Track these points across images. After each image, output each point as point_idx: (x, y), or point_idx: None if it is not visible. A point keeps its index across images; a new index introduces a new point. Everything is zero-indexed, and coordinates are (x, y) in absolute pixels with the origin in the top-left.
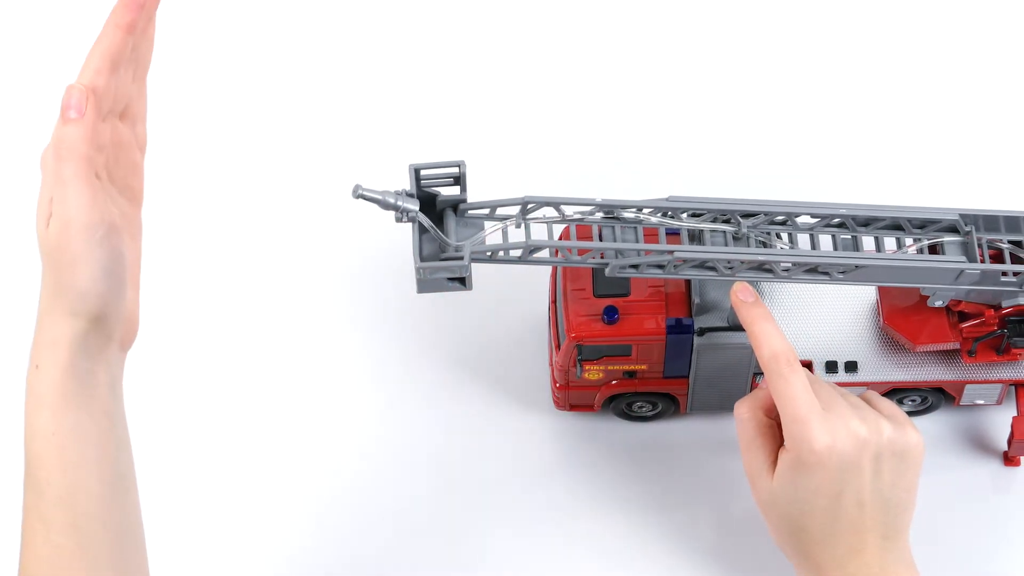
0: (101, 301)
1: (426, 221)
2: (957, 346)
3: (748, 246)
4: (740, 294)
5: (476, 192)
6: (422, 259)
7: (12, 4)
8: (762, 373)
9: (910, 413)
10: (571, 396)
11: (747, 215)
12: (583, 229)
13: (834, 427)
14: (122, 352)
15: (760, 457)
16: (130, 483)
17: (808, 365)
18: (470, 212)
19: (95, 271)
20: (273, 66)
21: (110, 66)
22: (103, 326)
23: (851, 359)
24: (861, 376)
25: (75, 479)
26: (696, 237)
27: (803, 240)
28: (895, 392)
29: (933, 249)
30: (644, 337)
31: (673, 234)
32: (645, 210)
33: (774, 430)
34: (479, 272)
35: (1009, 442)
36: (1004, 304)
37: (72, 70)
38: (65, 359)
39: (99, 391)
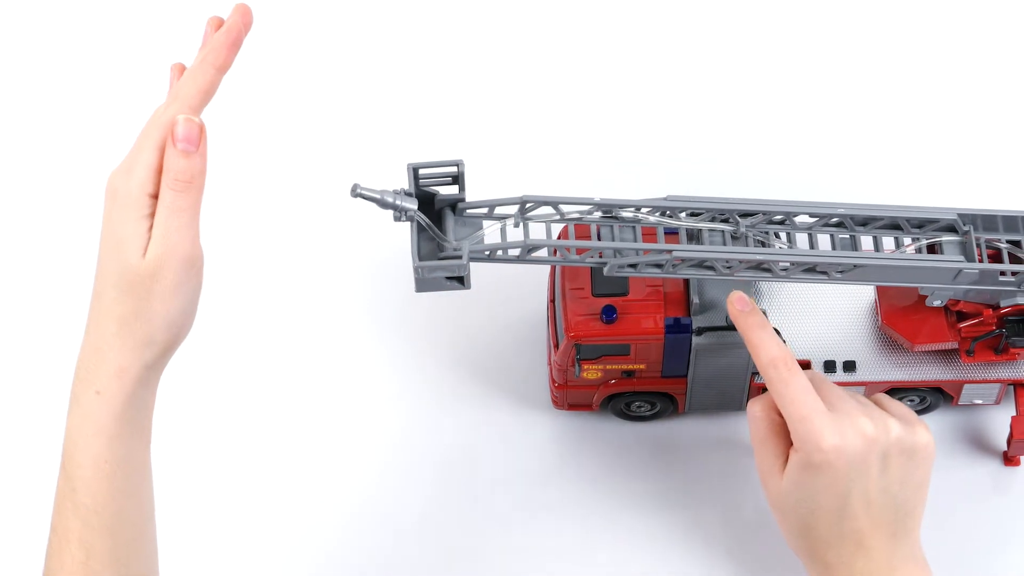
0: (178, 335)
1: (424, 220)
2: (955, 346)
3: (746, 245)
4: (736, 304)
5: (475, 191)
6: (420, 258)
7: (13, 5)
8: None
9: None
10: (569, 395)
11: (745, 214)
12: (581, 228)
13: (841, 426)
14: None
15: (771, 457)
16: (153, 510)
17: (806, 365)
18: (468, 211)
19: (185, 303)
20: (272, 66)
21: (200, 104)
22: (168, 356)
23: (849, 359)
24: (859, 376)
25: (120, 508)
26: (694, 236)
27: (801, 239)
28: (893, 392)
29: (931, 249)
30: (642, 336)
31: (671, 233)
32: (643, 209)
33: (786, 430)
34: (477, 271)
35: (1008, 442)
36: (1002, 304)
37: (72, 73)
38: (130, 389)
39: (148, 420)
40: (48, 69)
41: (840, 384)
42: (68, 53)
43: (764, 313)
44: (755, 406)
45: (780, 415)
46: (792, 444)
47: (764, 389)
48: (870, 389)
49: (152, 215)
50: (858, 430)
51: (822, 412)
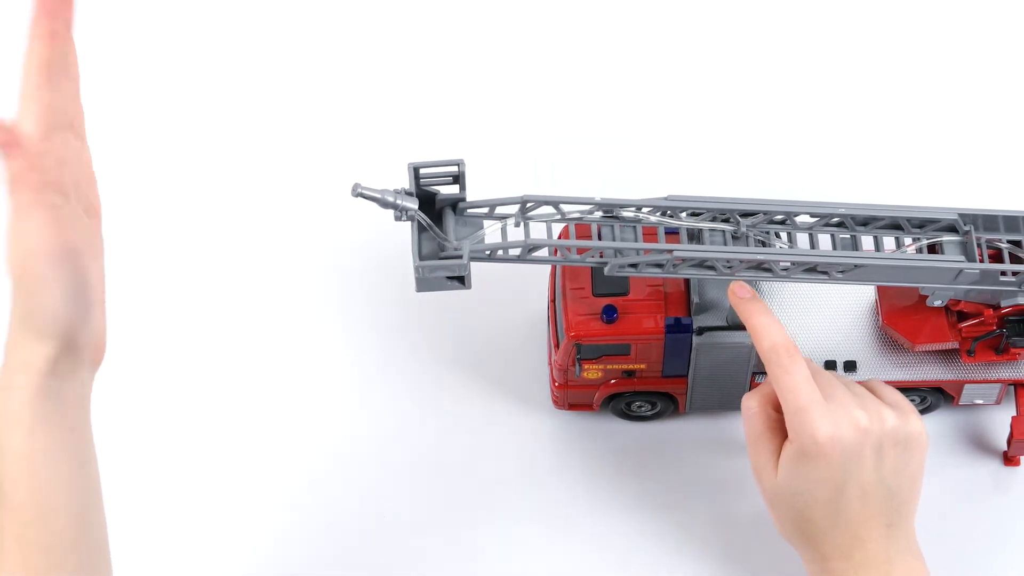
0: (69, 324)
1: (425, 220)
2: (956, 346)
3: (747, 245)
4: (737, 291)
5: (475, 191)
6: (421, 258)
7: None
8: (762, 373)
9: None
10: (570, 395)
11: (746, 214)
12: (582, 228)
13: (836, 417)
14: (91, 370)
15: (767, 451)
16: (98, 500)
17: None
18: (469, 211)
19: (63, 295)
20: (272, 65)
21: (47, 78)
22: (72, 348)
23: (850, 359)
24: (860, 376)
25: (47, 499)
26: (695, 236)
27: (802, 239)
28: None
29: (932, 249)
30: (643, 336)
31: (672, 233)
32: (644, 209)
33: (782, 424)
34: (478, 271)
35: (1008, 442)
36: (1003, 304)
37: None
38: (36, 381)
39: (69, 412)
40: None
41: None
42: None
43: None
44: (750, 400)
45: (776, 410)
46: (786, 438)
47: None
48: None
49: None
50: (853, 420)
51: (819, 403)
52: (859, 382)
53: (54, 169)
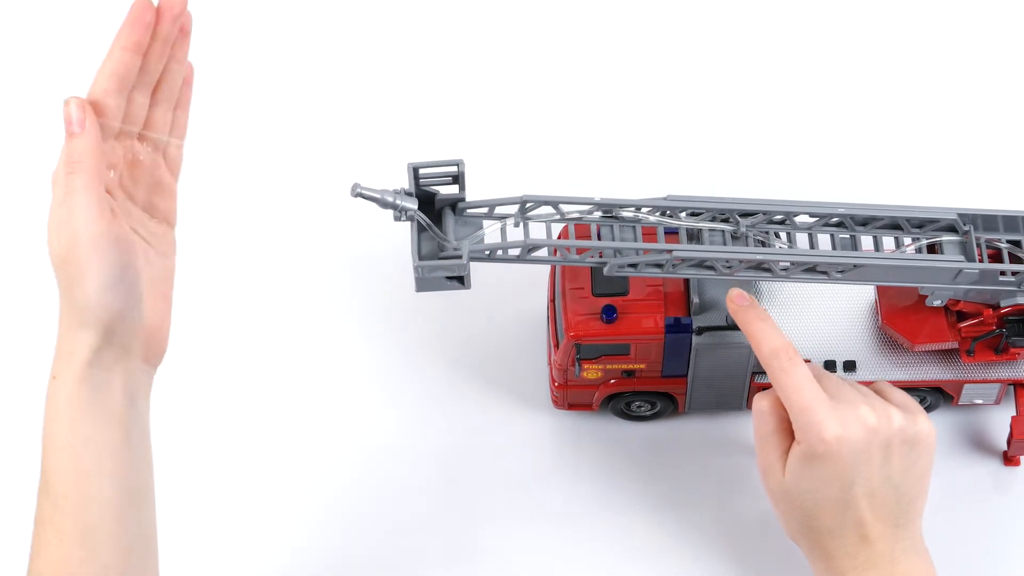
0: (109, 312)
1: (424, 220)
2: (955, 346)
3: (746, 245)
4: (735, 300)
5: (475, 191)
6: (421, 258)
7: (13, 9)
8: (761, 372)
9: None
10: (570, 395)
11: (745, 214)
12: (582, 228)
13: (843, 416)
14: (148, 366)
15: (775, 452)
16: (145, 496)
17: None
18: (469, 211)
19: (102, 282)
20: (272, 66)
21: (117, 86)
22: (116, 337)
23: (850, 359)
24: (860, 376)
25: (87, 489)
26: (695, 236)
27: (801, 239)
28: None
29: (931, 248)
30: (642, 336)
31: (671, 233)
32: (644, 209)
33: (792, 426)
34: (478, 271)
35: (1008, 442)
36: (1002, 303)
37: (74, 75)
38: (80, 370)
39: (115, 403)
40: (51, 75)
41: None
42: (71, 59)
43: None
44: (763, 401)
45: (787, 411)
46: (795, 439)
47: (765, 389)
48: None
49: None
50: (860, 420)
51: (824, 402)
52: (865, 383)
53: (117, 166)
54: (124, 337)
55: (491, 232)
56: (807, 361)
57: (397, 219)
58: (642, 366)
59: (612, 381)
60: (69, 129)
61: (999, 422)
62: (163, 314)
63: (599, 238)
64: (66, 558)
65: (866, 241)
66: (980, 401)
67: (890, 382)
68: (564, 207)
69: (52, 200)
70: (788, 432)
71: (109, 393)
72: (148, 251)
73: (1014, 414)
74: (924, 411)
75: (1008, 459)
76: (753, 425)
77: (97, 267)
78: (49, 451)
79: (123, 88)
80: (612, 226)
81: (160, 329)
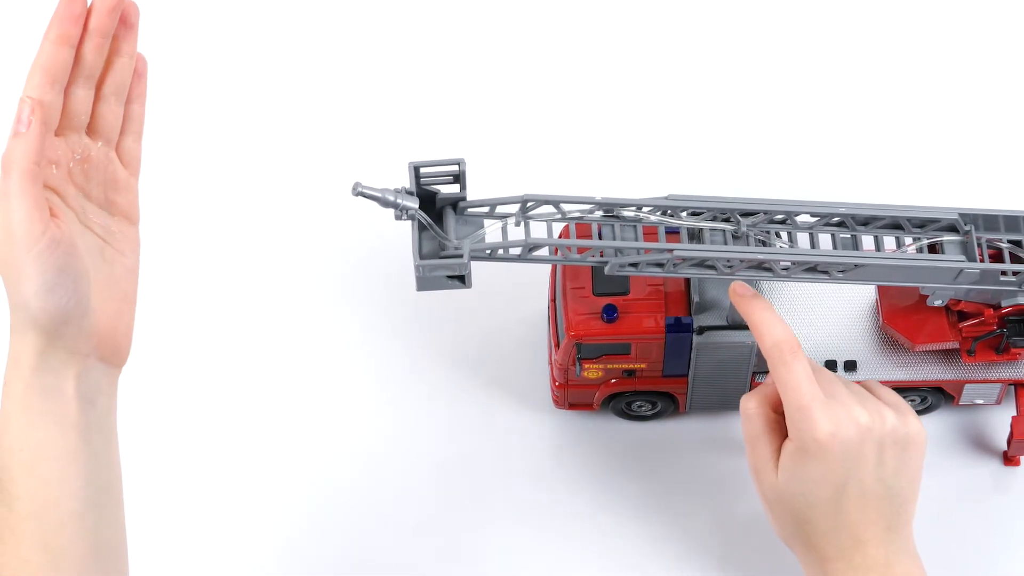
0: (49, 315)
1: (425, 219)
2: (956, 345)
3: (747, 245)
4: (738, 289)
5: (476, 190)
6: (422, 257)
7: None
8: (762, 372)
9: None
10: (570, 395)
11: (746, 214)
12: (583, 227)
13: (837, 415)
14: (108, 366)
15: (766, 453)
16: (110, 499)
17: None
18: (470, 210)
19: (38, 284)
20: (273, 65)
21: (50, 81)
22: (61, 340)
23: (850, 358)
24: (860, 375)
25: (44, 494)
26: (696, 236)
27: (802, 239)
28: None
29: (932, 248)
30: (643, 336)
31: (672, 233)
32: (645, 208)
33: (781, 425)
34: (478, 271)
35: (1009, 442)
36: (1003, 303)
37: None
38: (27, 375)
39: (69, 407)
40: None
41: None
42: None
43: None
44: (749, 401)
45: (775, 410)
46: (786, 439)
47: None
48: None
49: None
50: (853, 419)
51: (820, 400)
52: (857, 382)
53: (60, 163)
54: (71, 339)
55: (492, 231)
56: None
57: (398, 218)
58: (643, 366)
59: (613, 381)
60: (16, 128)
61: (999, 422)
62: (121, 314)
63: (600, 237)
64: (24, 564)
65: (867, 241)
66: (981, 401)
67: (891, 382)
68: (565, 206)
69: None
70: (777, 431)
71: (61, 397)
72: (105, 249)
73: (1014, 414)
74: (914, 411)
75: (1008, 459)
76: (741, 427)
77: (33, 269)
78: (4, 457)
79: (55, 82)
80: (613, 225)
81: (117, 330)
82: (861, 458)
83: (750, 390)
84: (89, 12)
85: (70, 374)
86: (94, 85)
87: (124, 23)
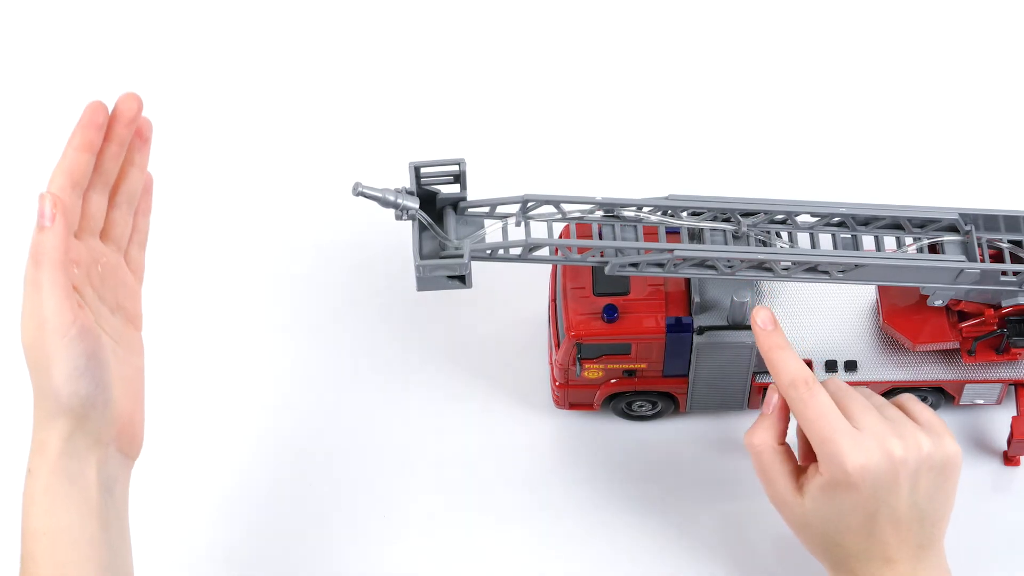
0: (78, 399)
1: (426, 219)
2: (957, 346)
3: (748, 245)
4: (760, 323)
5: (476, 190)
6: (422, 257)
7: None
8: (762, 372)
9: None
10: (571, 395)
11: (747, 214)
12: (583, 227)
13: (867, 446)
14: (125, 457)
15: (783, 483)
16: (117, 571)
17: (808, 364)
18: (470, 210)
19: (69, 369)
20: (274, 65)
21: (70, 185)
22: (87, 425)
23: (851, 358)
24: (860, 376)
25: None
26: (696, 236)
27: (803, 239)
28: (895, 392)
29: (933, 248)
30: (644, 336)
31: (673, 233)
32: (645, 208)
33: (789, 453)
34: (479, 270)
35: (1009, 442)
36: (1004, 303)
37: (72, 80)
38: (52, 461)
39: (90, 493)
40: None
41: None
42: (67, 63)
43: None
44: (754, 437)
45: (778, 441)
46: (796, 464)
47: (765, 390)
48: (872, 389)
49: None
50: (885, 451)
51: (846, 431)
52: (892, 401)
53: (80, 263)
54: (95, 425)
55: (492, 231)
56: (809, 366)
57: (398, 218)
58: (643, 366)
59: (613, 381)
60: (40, 223)
61: (999, 422)
62: (135, 409)
63: (600, 237)
64: None
65: (867, 241)
66: (981, 401)
67: (891, 382)
68: (565, 206)
69: (24, 293)
70: (788, 458)
71: (84, 483)
72: (116, 349)
73: (1015, 414)
74: (949, 430)
75: (1008, 459)
76: (752, 463)
77: (64, 355)
78: (27, 539)
79: (76, 187)
80: (613, 225)
81: (133, 422)
82: (894, 487)
83: (750, 390)
84: (111, 121)
85: (92, 461)
86: (109, 192)
87: (139, 136)
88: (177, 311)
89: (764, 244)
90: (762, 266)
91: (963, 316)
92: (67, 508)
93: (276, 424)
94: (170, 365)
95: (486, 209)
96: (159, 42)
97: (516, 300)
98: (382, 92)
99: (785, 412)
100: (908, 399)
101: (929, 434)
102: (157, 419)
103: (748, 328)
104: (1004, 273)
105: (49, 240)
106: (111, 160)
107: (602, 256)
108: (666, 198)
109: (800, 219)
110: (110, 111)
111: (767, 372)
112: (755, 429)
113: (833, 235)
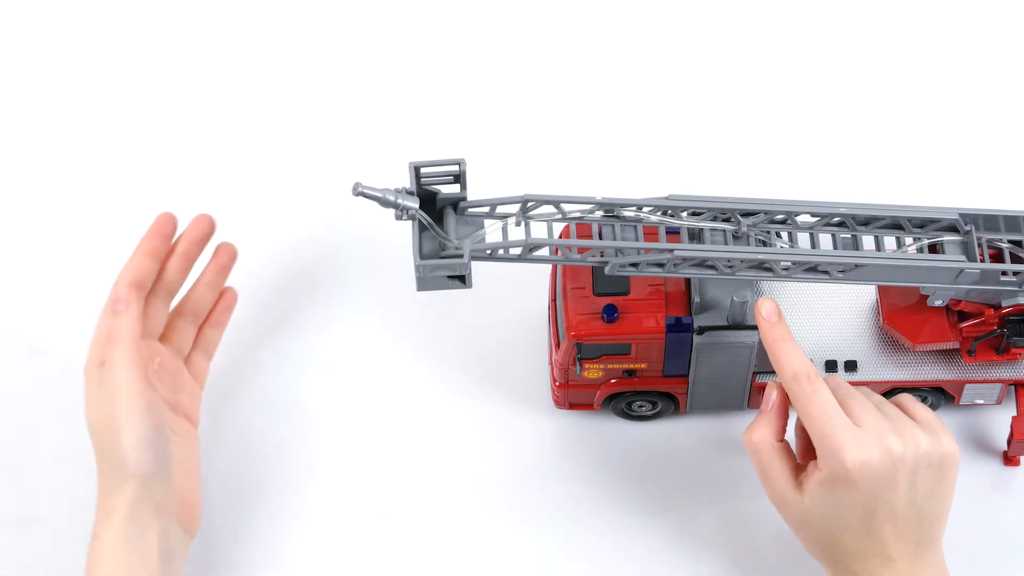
0: (145, 466)
1: (426, 219)
2: (957, 346)
3: (748, 245)
4: (766, 314)
5: (476, 190)
6: (422, 257)
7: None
8: (762, 372)
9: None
10: (571, 395)
11: (747, 214)
12: (583, 227)
13: (867, 443)
14: (184, 534)
15: (782, 480)
16: None
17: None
18: (470, 210)
19: (137, 437)
20: (274, 65)
21: (135, 286)
22: (151, 493)
23: (851, 358)
24: (861, 375)
25: None
26: (696, 236)
27: (803, 239)
28: (894, 392)
29: (933, 248)
30: (644, 336)
31: (673, 233)
32: (645, 208)
33: (788, 450)
34: (479, 271)
35: (1009, 442)
36: (1004, 303)
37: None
38: (118, 526)
39: (152, 560)
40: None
41: None
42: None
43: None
44: (753, 435)
45: (777, 438)
46: (796, 462)
47: (764, 389)
48: (871, 389)
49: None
50: (884, 447)
51: (846, 427)
52: (892, 400)
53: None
54: (159, 493)
55: (492, 231)
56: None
57: (399, 218)
58: (643, 366)
59: (613, 381)
60: (114, 307)
61: (999, 422)
62: (194, 490)
63: (600, 237)
64: None
65: (867, 241)
66: (981, 401)
67: (892, 382)
68: (565, 206)
69: (87, 385)
70: (787, 456)
71: (146, 550)
72: (174, 436)
73: (1015, 414)
74: (947, 428)
75: (1008, 459)
76: (752, 461)
77: (134, 424)
78: None
79: (140, 289)
80: (613, 225)
81: (192, 502)
82: (892, 485)
83: (750, 390)
84: (180, 237)
85: (155, 529)
86: (171, 299)
87: (217, 261)
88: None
89: (764, 244)
90: (762, 266)
91: (963, 316)
92: (130, 572)
93: (274, 423)
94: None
95: (486, 209)
96: (158, 42)
97: (516, 300)
98: (382, 92)
99: (784, 409)
100: (906, 399)
101: (928, 432)
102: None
103: (748, 328)
104: (1004, 273)
105: (124, 321)
106: (174, 272)
107: (602, 256)
108: (666, 198)
109: (800, 219)
110: (183, 225)
111: (767, 372)
112: (754, 427)
113: (833, 235)
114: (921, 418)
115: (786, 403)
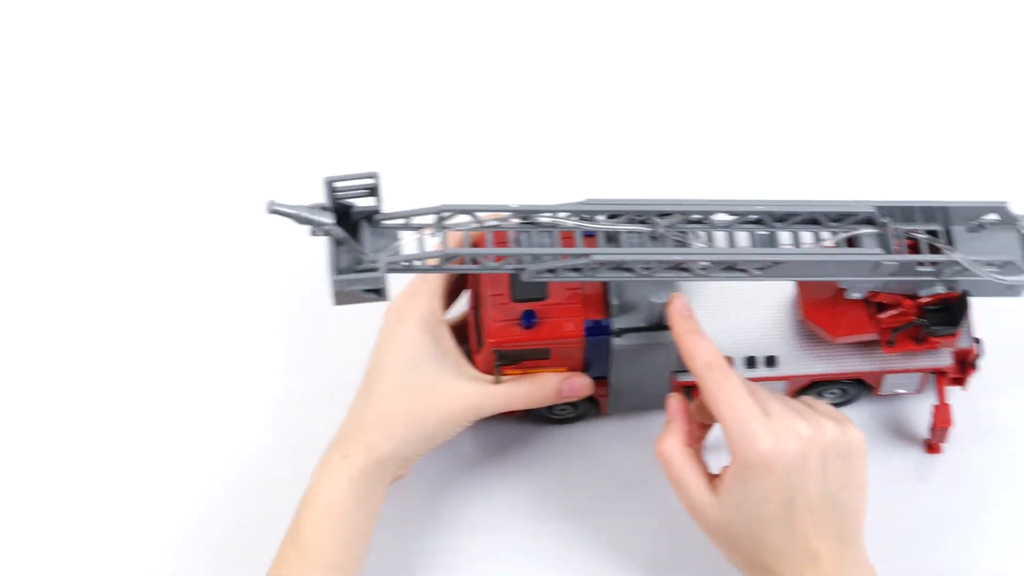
0: (415, 442)
1: (341, 234)
2: (876, 337)
3: (665, 246)
4: (676, 310)
5: (392, 202)
6: (339, 271)
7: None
8: (682, 371)
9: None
10: None
11: (664, 215)
12: (500, 235)
13: (777, 429)
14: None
15: (696, 483)
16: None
17: (728, 361)
18: (385, 222)
19: (418, 451)
20: (188, 83)
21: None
22: (403, 456)
23: (770, 353)
24: (781, 370)
25: (334, 553)
26: (613, 239)
27: (720, 238)
28: (815, 385)
29: (850, 242)
30: (562, 340)
31: (590, 236)
32: (561, 214)
33: (697, 455)
34: (397, 283)
35: (930, 430)
36: (921, 294)
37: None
38: (372, 461)
39: (376, 498)
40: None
41: (762, 379)
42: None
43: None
44: (663, 444)
45: (688, 444)
46: (708, 471)
47: (685, 388)
48: (792, 383)
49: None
50: (794, 432)
51: (757, 415)
52: (794, 399)
53: None
54: (398, 471)
55: (409, 243)
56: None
57: (314, 234)
58: (563, 370)
59: None
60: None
61: (921, 411)
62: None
63: (518, 244)
64: None
65: (784, 237)
66: (902, 391)
67: (812, 376)
68: (481, 215)
69: None
70: (699, 461)
71: (376, 489)
72: None
73: (935, 403)
74: (853, 422)
75: (930, 447)
76: (664, 472)
77: (401, 400)
78: (310, 510)
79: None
80: (530, 232)
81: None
82: (805, 470)
83: (670, 390)
84: None
85: (386, 482)
86: None
87: None
88: (108, 339)
89: (682, 244)
90: (679, 267)
91: (882, 307)
92: (359, 502)
93: (271, 425)
94: (165, 366)
95: (401, 221)
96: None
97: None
98: (296, 106)
99: (687, 415)
100: (809, 398)
101: (833, 420)
102: (160, 421)
103: (667, 328)
104: (921, 264)
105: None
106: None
107: (519, 263)
108: (582, 203)
109: (717, 218)
110: None
111: (686, 371)
112: (662, 437)
113: (750, 233)
114: (825, 411)
115: (687, 409)
